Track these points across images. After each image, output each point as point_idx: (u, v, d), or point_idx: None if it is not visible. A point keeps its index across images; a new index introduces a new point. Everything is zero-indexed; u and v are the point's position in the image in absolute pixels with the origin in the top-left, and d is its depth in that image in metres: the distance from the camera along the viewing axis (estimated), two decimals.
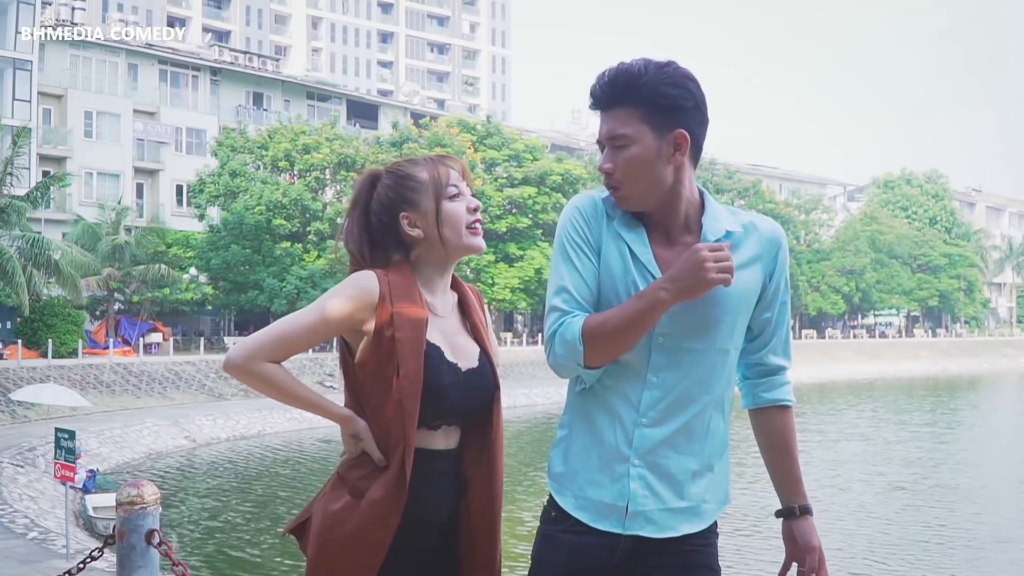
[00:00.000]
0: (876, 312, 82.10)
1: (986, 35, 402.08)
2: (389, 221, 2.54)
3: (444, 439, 2.51)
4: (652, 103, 2.26)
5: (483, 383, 2.54)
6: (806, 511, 2.45)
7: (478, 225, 2.56)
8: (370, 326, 2.45)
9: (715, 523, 2.39)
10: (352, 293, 2.44)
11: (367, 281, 2.46)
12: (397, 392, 2.40)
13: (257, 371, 2.42)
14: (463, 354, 2.54)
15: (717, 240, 2.31)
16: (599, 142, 2.35)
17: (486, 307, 2.77)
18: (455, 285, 2.66)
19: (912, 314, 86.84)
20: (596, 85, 2.33)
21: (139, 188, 52.10)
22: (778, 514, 2.48)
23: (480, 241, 2.58)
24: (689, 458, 2.32)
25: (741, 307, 2.35)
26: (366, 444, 2.46)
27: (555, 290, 2.34)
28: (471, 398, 2.52)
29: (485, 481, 2.53)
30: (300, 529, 2.56)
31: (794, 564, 2.45)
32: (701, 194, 2.39)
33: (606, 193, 2.40)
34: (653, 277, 2.28)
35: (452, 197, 2.54)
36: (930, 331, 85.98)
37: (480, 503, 2.53)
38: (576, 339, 2.25)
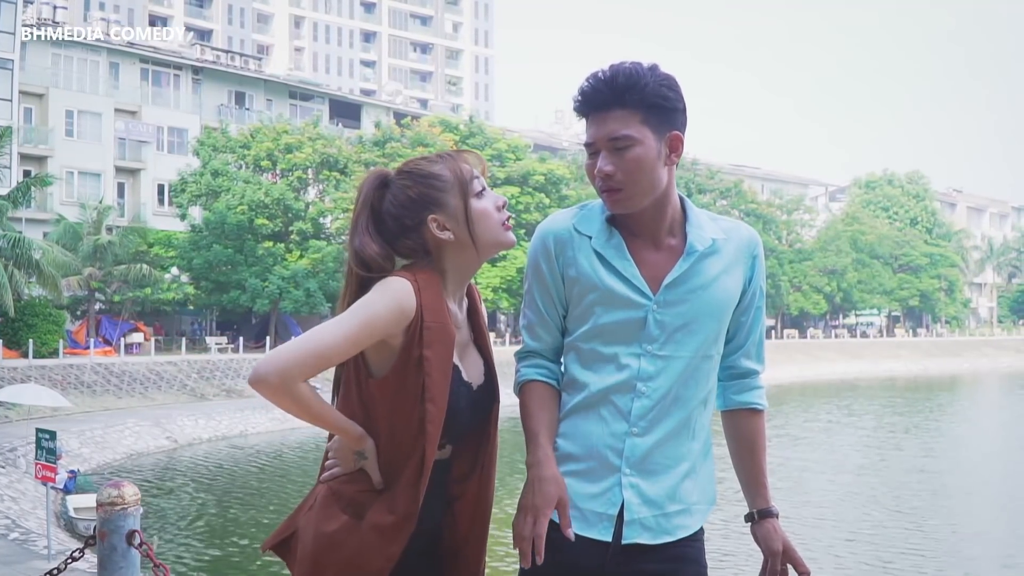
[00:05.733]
0: (857, 312, 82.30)
1: (988, 37, 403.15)
2: (413, 225, 2.39)
3: (439, 452, 2.40)
4: (652, 105, 2.28)
5: (488, 398, 2.46)
6: (766, 514, 2.47)
7: (509, 222, 2.45)
8: (398, 340, 2.30)
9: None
10: (392, 304, 2.27)
11: (405, 291, 2.29)
12: (419, 414, 2.28)
13: (294, 392, 2.20)
14: (474, 370, 2.45)
15: (704, 249, 2.37)
16: (591, 145, 2.34)
17: (483, 303, 2.65)
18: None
19: (893, 314, 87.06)
20: (591, 86, 2.32)
21: (120, 187, 51.82)
22: (745, 519, 2.51)
23: (513, 236, 2.46)
24: (680, 462, 2.36)
25: (724, 312, 2.39)
26: (369, 464, 2.34)
27: (523, 323, 2.52)
28: (477, 417, 2.43)
29: (476, 491, 2.45)
30: (284, 545, 2.42)
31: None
32: (681, 198, 2.43)
33: (578, 216, 2.43)
34: (637, 289, 2.33)
35: (478, 194, 2.41)
36: (911, 331, 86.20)
37: (468, 514, 2.45)
38: (516, 392, 2.49)
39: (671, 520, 2.34)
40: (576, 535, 2.30)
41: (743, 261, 2.43)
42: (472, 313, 2.53)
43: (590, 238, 2.38)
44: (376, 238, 2.39)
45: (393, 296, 2.28)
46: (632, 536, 2.30)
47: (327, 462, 2.43)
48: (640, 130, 2.28)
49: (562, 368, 2.46)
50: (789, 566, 2.45)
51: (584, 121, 2.39)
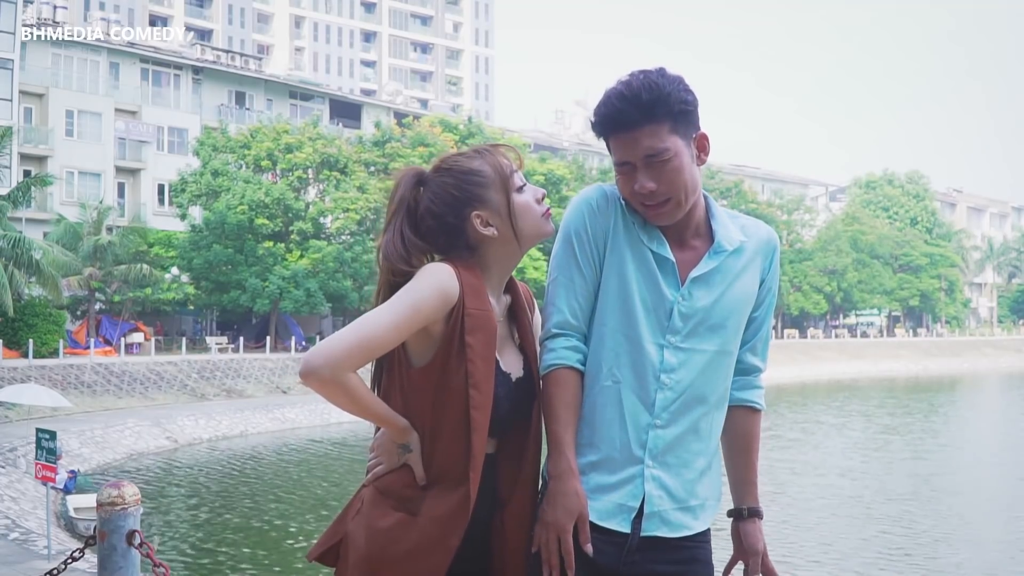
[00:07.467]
0: (858, 312, 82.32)
1: (988, 37, 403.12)
2: (456, 222, 2.37)
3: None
4: (677, 112, 2.29)
5: (528, 392, 2.41)
6: (754, 513, 2.50)
7: (549, 213, 2.44)
8: (439, 328, 2.28)
9: None
10: (437, 287, 2.25)
11: (448, 278, 2.27)
12: (465, 402, 2.25)
13: (344, 384, 2.18)
14: (512, 362, 2.41)
15: (734, 248, 2.38)
16: (625, 163, 2.33)
17: (536, 306, 2.60)
18: (509, 286, 2.51)
19: (893, 314, 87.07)
20: (616, 108, 2.30)
21: (120, 187, 51.81)
22: (729, 514, 2.53)
23: (552, 226, 2.45)
24: (698, 457, 2.37)
25: (744, 308, 2.42)
26: (413, 457, 2.32)
27: (558, 296, 2.40)
28: (518, 409, 2.38)
29: (523, 490, 2.39)
30: (330, 553, 2.36)
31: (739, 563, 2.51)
32: (705, 197, 2.45)
33: (619, 193, 2.41)
34: (668, 276, 2.35)
35: (519, 188, 2.40)
36: (911, 331, 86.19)
37: (516, 514, 2.37)
38: (542, 371, 2.39)
39: (688, 514, 2.35)
40: (594, 524, 2.30)
41: (761, 259, 2.45)
42: (515, 308, 2.50)
43: (632, 221, 2.39)
44: (408, 238, 2.37)
45: (437, 279, 2.26)
46: (651, 529, 2.31)
47: (370, 461, 2.40)
48: (672, 140, 2.29)
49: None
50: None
51: (603, 139, 2.38)
